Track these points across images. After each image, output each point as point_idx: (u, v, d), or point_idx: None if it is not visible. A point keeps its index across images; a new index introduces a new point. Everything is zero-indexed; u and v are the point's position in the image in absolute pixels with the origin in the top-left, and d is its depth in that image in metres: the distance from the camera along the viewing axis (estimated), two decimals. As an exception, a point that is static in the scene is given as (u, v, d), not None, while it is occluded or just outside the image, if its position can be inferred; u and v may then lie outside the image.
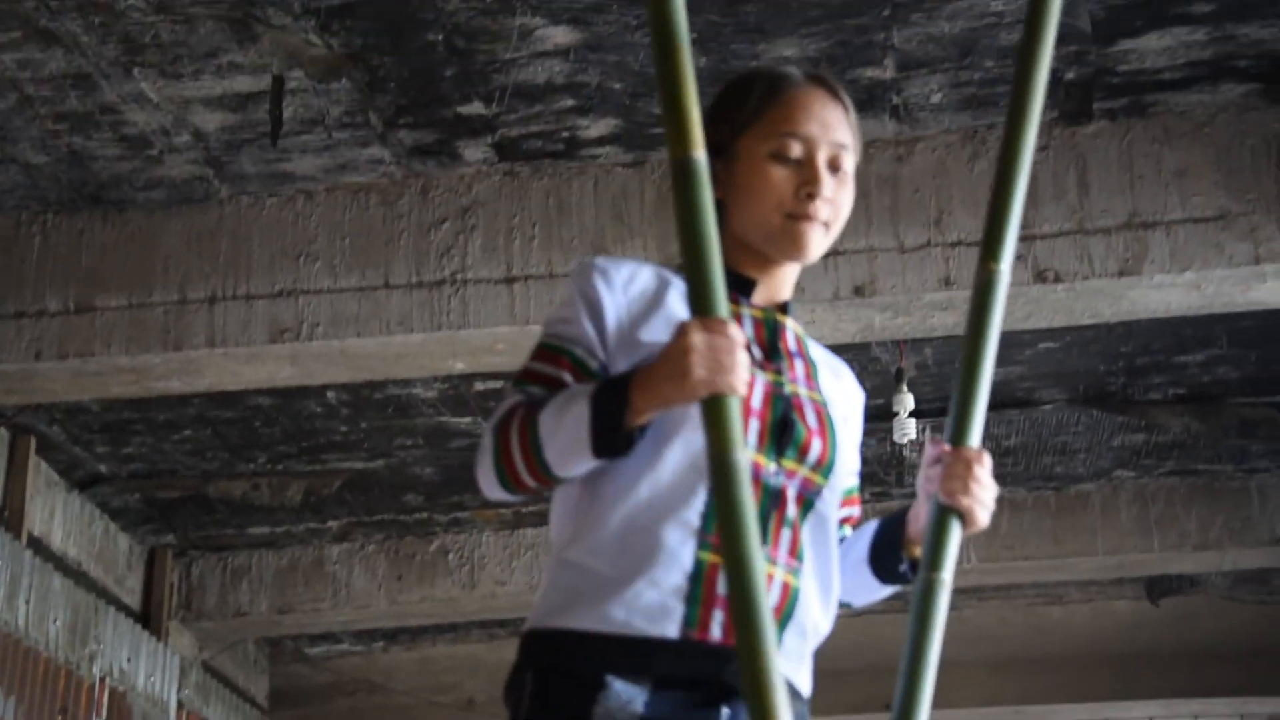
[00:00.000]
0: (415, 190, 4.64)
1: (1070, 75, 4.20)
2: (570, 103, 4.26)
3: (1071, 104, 4.33)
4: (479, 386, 5.64)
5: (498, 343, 4.61)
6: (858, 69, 4.16)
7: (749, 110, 1.92)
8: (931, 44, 4.11)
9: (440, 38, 3.97)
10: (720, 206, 1.86)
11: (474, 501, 6.54)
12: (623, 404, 1.69)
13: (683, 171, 1.78)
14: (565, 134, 4.40)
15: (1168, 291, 4.40)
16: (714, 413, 1.66)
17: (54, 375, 4.53)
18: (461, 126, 4.38)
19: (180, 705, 6.19)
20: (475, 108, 4.30)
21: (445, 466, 6.22)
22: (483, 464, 1.77)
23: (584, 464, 1.72)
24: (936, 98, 4.33)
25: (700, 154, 1.76)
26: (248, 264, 4.61)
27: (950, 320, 4.60)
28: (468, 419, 5.88)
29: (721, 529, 1.64)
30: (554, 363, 1.81)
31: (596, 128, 4.37)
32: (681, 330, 1.66)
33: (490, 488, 1.79)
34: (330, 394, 5.57)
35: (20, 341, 4.45)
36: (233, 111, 4.26)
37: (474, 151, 4.49)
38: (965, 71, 4.22)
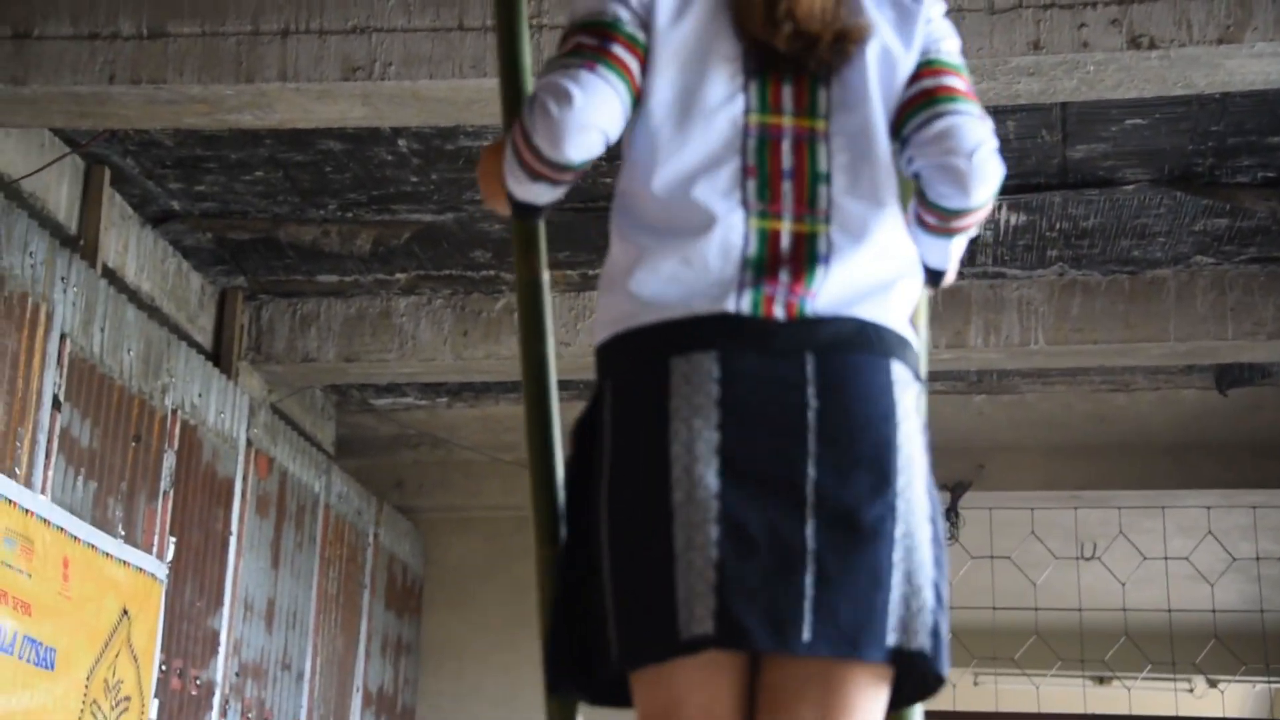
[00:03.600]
0: (493, -72, 4.51)
1: None
2: None
3: None
4: (550, 142, 5.57)
5: (572, 91, 4.53)
6: None
7: None
8: None
9: None
10: None
11: (542, 262, 6.53)
12: None
13: None
14: None
15: (1268, 62, 4.23)
16: None
17: (127, 100, 4.51)
18: None
19: (249, 444, 6.33)
20: None
21: (515, 224, 6.20)
22: None
23: None
24: None
25: None
26: (320, -2, 4.53)
27: (1037, 87, 4.47)
28: (538, 175, 5.83)
29: None
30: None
31: None
32: None
33: None
34: (401, 142, 5.53)
35: (94, 64, 4.42)
36: None
37: (555, -113, 4.35)
38: None
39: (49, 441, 4.90)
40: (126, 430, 5.37)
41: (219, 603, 5.99)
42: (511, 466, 8.17)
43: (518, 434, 8.27)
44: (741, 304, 1.77)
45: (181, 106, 4.57)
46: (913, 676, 1.80)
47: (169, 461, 5.67)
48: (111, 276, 5.52)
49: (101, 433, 5.21)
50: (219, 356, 6.38)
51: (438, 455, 8.23)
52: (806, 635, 1.70)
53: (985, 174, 1.82)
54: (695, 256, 1.78)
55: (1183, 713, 8.18)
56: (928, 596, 1.76)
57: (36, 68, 4.46)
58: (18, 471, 4.71)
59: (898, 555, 1.75)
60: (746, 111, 1.83)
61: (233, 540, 6.14)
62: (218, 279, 6.52)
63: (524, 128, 1.84)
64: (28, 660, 4.61)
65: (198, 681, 5.78)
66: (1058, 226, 6.00)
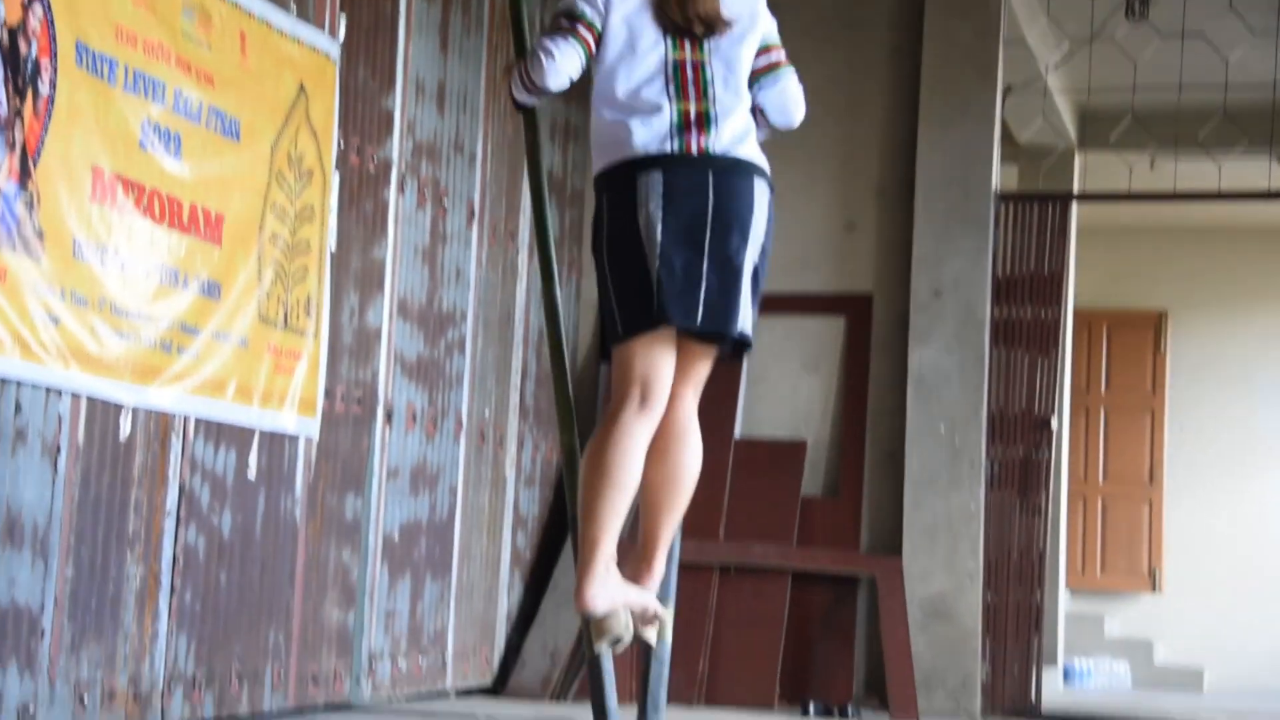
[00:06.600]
0: None
1: None
2: None
3: None
4: None
5: None
6: None
7: None
8: None
9: None
10: None
11: None
12: None
13: None
14: None
15: None
16: None
17: None
18: None
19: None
20: None
21: None
22: None
23: None
24: None
25: None
26: None
27: None
28: None
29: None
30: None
31: None
32: None
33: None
34: None
35: None
36: None
37: None
38: None
39: (212, -89, 4.78)
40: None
41: (391, 84, 6.01)
42: None
43: None
44: (674, 147, 3.41)
45: None
46: (738, 346, 3.52)
47: (332, -64, 5.53)
48: None
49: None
50: None
51: None
52: (700, 319, 3.39)
53: (801, 113, 3.67)
54: (652, 124, 3.42)
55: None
56: (752, 307, 3.49)
57: None
58: (185, -59, 4.64)
59: (746, 284, 3.43)
60: (666, 52, 3.47)
61: (401, 21, 6.08)
62: None
63: (526, 65, 3.51)
64: (215, 130, 4.69)
65: (375, 159, 5.88)
66: None
